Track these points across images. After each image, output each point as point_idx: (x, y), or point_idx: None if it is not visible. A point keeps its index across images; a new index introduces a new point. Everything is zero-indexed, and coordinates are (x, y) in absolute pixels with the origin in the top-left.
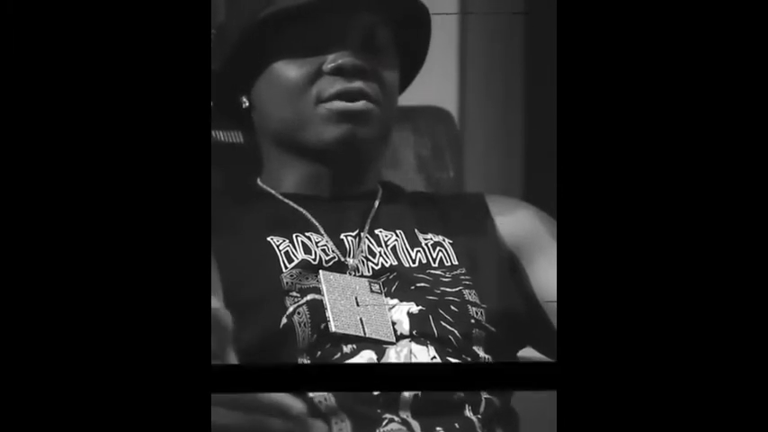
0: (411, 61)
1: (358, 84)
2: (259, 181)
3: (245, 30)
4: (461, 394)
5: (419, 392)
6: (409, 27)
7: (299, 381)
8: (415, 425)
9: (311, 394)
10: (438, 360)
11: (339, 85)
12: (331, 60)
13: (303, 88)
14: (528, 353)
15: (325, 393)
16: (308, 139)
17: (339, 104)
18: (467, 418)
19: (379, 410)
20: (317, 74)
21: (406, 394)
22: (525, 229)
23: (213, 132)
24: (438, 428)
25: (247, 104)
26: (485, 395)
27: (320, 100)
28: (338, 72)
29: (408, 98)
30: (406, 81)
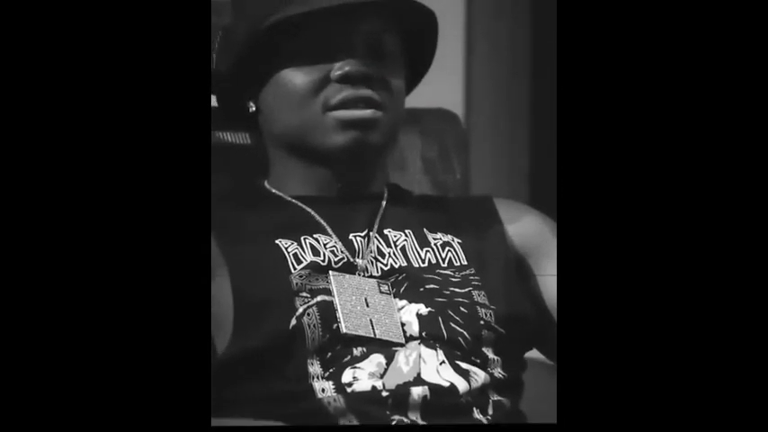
0: (418, 66)
1: (365, 91)
2: (266, 183)
3: (250, 36)
4: (470, 397)
5: (428, 394)
6: (416, 32)
7: None
8: None
9: (320, 395)
10: (447, 364)
11: (346, 92)
12: (338, 68)
13: (310, 96)
14: (534, 354)
15: (335, 394)
16: (315, 145)
17: (346, 112)
18: (475, 420)
19: (387, 412)
20: (325, 81)
21: (415, 396)
22: (533, 234)
23: (221, 134)
24: None
25: (254, 109)
26: (493, 397)
27: (327, 108)
28: (345, 80)
29: (414, 100)
30: (412, 84)
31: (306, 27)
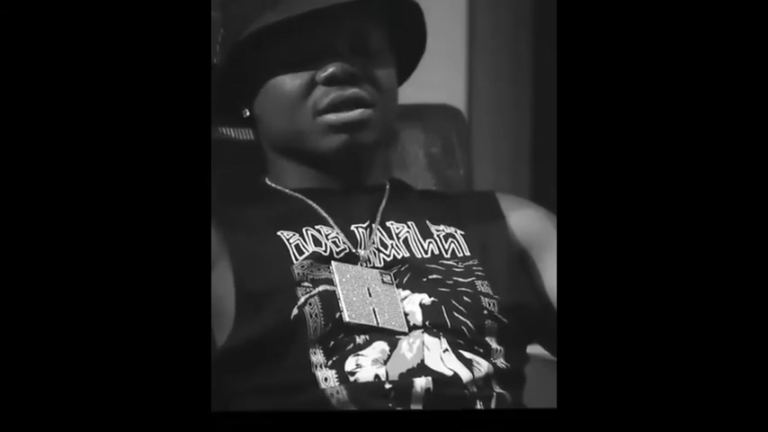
0: (408, 57)
1: (352, 90)
2: (267, 180)
3: (232, 45)
4: (474, 389)
5: (431, 387)
6: (401, 24)
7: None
8: None
9: (323, 385)
10: (450, 352)
11: (333, 94)
12: (323, 70)
13: (299, 101)
14: (536, 350)
15: (338, 386)
16: (309, 150)
17: (335, 116)
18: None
19: (390, 405)
20: (312, 84)
21: (418, 388)
22: (536, 228)
23: (223, 129)
24: None
25: (248, 114)
26: (496, 390)
27: (317, 112)
28: (331, 81)
29: (417, 96)
30: (404, 75)
31: (288, 33)
